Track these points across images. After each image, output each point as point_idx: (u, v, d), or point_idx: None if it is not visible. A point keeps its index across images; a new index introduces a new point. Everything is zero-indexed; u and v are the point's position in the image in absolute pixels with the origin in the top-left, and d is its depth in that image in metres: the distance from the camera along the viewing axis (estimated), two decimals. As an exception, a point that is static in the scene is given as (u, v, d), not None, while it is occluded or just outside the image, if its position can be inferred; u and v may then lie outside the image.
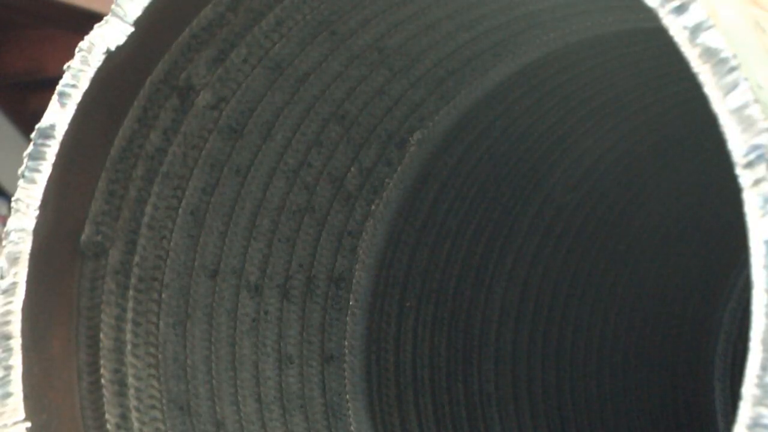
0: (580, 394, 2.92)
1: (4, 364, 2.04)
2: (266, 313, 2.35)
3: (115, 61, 2.02)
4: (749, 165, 1.51)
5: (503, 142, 2.56)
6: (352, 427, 2.43)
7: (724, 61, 1.54)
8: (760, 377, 1.48)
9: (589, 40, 2.31)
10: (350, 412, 2.43)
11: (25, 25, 8.48)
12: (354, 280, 2.43)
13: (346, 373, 2.44)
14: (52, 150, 2.02)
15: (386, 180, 2.42)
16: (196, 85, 2.15)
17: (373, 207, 2.43)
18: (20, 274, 2.03)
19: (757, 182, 1.50)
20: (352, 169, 2.36)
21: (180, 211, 2.21)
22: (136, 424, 2.19)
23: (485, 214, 2.64)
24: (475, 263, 2.67)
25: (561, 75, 2.44)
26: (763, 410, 1.49)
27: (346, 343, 2.44)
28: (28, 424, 2.00)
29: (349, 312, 2.44)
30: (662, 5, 1.58)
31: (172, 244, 2.21)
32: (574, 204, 2.79)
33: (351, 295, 2.43)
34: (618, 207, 2.87)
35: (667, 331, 2.98)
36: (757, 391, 1.49)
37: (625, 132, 2.63)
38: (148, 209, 2.18)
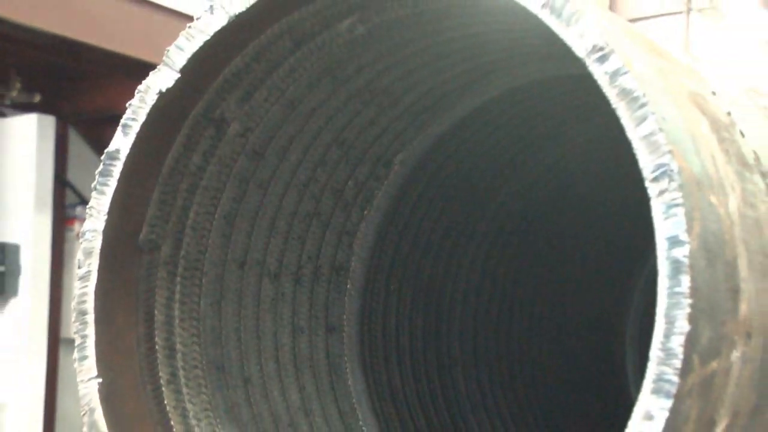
0: (524, 358, 2.93)
1: (81, 333, 2.06)
2: (283, 294, 2.36)
3: (165, 99, 2.04)
4: (656, 179, 1.53)
5: (467, 162, 2.57)
6: (349, 382, 2.45)
7: (636, 99, 1.56)
8: (663, 343, 1.50)
9: (532, 83, 2.32)
10: (348, 370, 2.45)
11: (101, 75, 8.61)
12: (351, 269, 2.45)
13: (344, 341, 2.45)
14: (117, 169, 2.05)
15: (375, 191, 2.44)
16: (228, 118, 2.17)
17: (365, 212, 2.45)
18: (93, 264, 2.06)
19: (661, 192, 1.52)
20: (349, 183, 2.38)
21: (216, 215, 2.23)
22: (182, 380, 2.21)
23: (452, 218, 2.65)
24: (444, 256, 2.68)
25: (511, 110, 2.45)
26: (665, 368, 1.51)
27: (345, 317, 2.46)
28: (100, 380, 2.03)
29: (347, 293, 2.46)
30: (588, 56, 1.60)
31: (209, 241, 2.23)
32: (521, 210, 2.80)
33: (348, 281, 2.45)
34: (555, 212, 2.88)
35: (591, 307, 3.00)
36: (661, 354, 1.50)
37: (561, 154, 2.64)
38: (191, 214, 2.20)
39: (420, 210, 2.54)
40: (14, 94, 10.46)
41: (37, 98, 10.40)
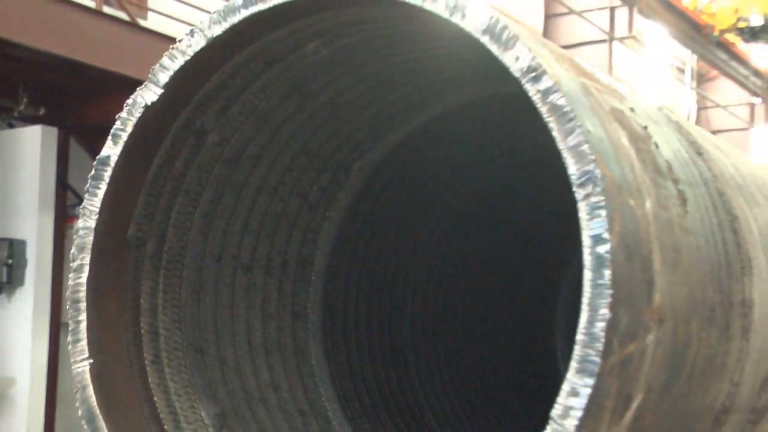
0: (467, 342, 2.93)
1: (74, 319, 2.06)
2: (254, 285, 2.35)
3: (150, 112, 2.04)
4: (582, 185, 1.54)
5: (417, 169, 2.57)
6: (313, 363, 2.44)
7: (565, 114, 1.56)
8: (587, 328, 1.50)
9: (475, 101, 2.33)
10: (312, 352, 2.44)
11: (98, 90, 8.70)
12: (315, 263, 2.45)
13: (309, 326, 2.45)
14: (107, 173, 2.04)
15: (337, 194, 2.43)
16: (207, 129, 2.16)
17: (328, 213, 2.44)
18: (85, 258, 2.05)
19: (586, 196, 1.53)
20: (314, 187, 2.38)
21: (195, 215, 2.22)
22: (165, 361, 2.20)
23: (404, 218, 2.65)
24: (397, 251, 2.68)
25: (455, 124, 2.45)
26: (589, 351, 1.51)
27: (309, 305, 2.45)
28: (91, 361, 2.02)
29: (311, 284, 2.45)
30: (523, 76, 1.60)
31: (190, 238, 2.22)
32: (465, 212, 2.80)
33: (312, 273, 2.44)
34: (495, 214, 2.88)
35: (526, 298, 3.00)
36: (585, 338, 1.51)
37: (500, 163, 2.64)
38: (174, 214, 2.19)
39: (376, 211, 2.54)
40: (22, 107, 10.51)
41: (41, 111, 10.44)
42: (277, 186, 2.30)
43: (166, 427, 2.15)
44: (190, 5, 9.59)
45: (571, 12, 26.08)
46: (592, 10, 25.59)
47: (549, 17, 27.56)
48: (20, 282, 10.22)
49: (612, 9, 25.40)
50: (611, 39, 25.48)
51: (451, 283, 2.84)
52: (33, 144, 10.66)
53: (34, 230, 10.43)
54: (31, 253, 10.30)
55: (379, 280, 2.59)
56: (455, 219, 2.76)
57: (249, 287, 2.34)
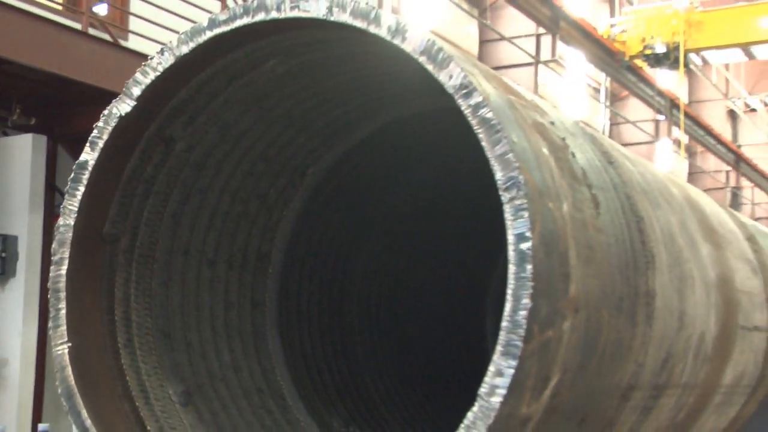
0: (409, 328, 2.92)
1: (55, 307, 2.04)
2: (218, 277, 2.33)
3: (124, 122, 2.01)
4: (507, 189, 1.53)
5: (365, 174, 2.56)
6: (270, 347, 2.43)
7: (493, 126, 1.56)
8: (511, 316, 1.50)
9: (414, 113, 2.33)
10: (269, 337, 2.42)
11: (83, 103, 8.74)
12: (272, 257, 2.43)
13: (266, 314, 2.43)
14: (85, 176, 2.02)
15: (292, 196, 2.42)
16: (175, 137, 2.13)
17: (284, 213, 2.43)
18: (65, 252, 2.03)
19: (511, 199, 1.52)
20: (272, 190, 2.36)
21: (165, 214, 2.19)
22: (136, 345, 2.17)
23: (352, 217, 2.64)
24: (347, 246, 2.67)
25: (398, 134, 2.45)
26: (512, 336, 1.51)
27: (267, 295, 2.43)
28: (70, 344, 2.00)
29: (268, 276, 2.43)
30: (456, 92, 1.60)
31: (159, 234, 2.19)
32: (408, 212, 2.79)
33: (270, 266, 2.42)
34: (434, 215, 2.88)
35: (462, 291, 2.99)
36: (509, 324, 1.51)
37: (437, 168, 2.64)
38: (145, 213, 2.17)
39: (327, 210, 2.53)
40: (15, 117, 10.50)
41: (32, 121, 10.41)
42: (238, 188, 2.28)
43: (137, 404, 2.13)
44: (167, 28, 9.53)
45: (502, 38, 26.21)
46: (520, 36, 25.76)
47: (483, 42, 27.72)
48: (12, 273, 10.36)
49: (537, 36, 25.59)
50: (537, 62, 25.64)
51: (395, 275, 2.83)
52: (25, 150, 10.73)
53: (25, 227, 10.54)
54: (22, 248, 10.41)
55: (329, 272, 2.57)
56: (398, 218, 2.75)
57: (213, 279, 2.31)
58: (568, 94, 31.04)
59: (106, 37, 11.22)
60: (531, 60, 25.81)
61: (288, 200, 2.38)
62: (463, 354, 2.75)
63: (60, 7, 12.01)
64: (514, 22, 26.29)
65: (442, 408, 2.54)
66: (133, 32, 11.97)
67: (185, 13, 10.58)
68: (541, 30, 25.52)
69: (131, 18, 12.17)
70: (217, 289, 2.33)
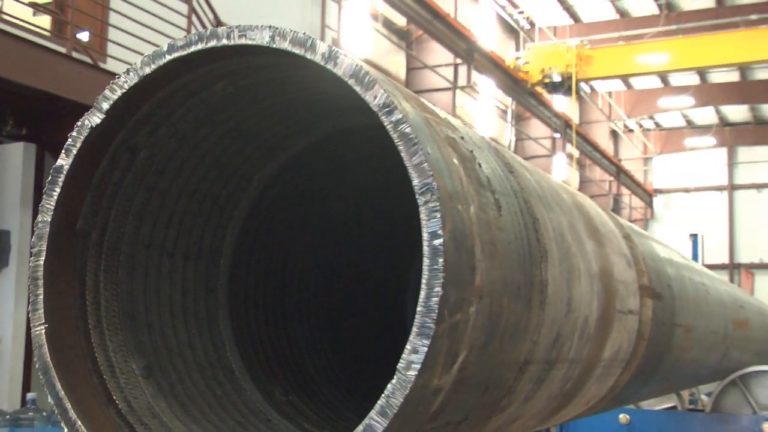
0: (343, 314, 2.89)
1: (34, 293, 1.98)
2: (176, 267, 2.28)
3: (95, 132, 1.96)
4: (422, 193, 1.52)
5: (303, 179, 2.54)
6: (221, 327, 2.39)
7: (411, 139, 1.53)
8: (425, 302, 1.48)
9: (346, 128, 2.30)
10: (220, 319, 2.39)
11: (67, 116, 8.63)
12: (223, 251, 2.39)
13: (218, 299, 2.39)
14: (61, 179, 1.96)
15: (241, 199, 2.38)
16: (139, 146, 2.09)
17: (234, 213, 2.38)
18: (43, 245, 1.96)
19: (426, 202, 1.51)
20: (223, 192, 2.31)
21: (130, 213, 2.14)
22: (105, 326, 2.12)
23: (294, 217, 2.61)
24: (288, 242, 2.64)
25: (333, 146, 2.43)
26: (426, 319, 1.50)
27: (219, 283, 2.39)
28: (46, 326, 1.94)
29: (220, 267, 2.39)
30: (380, 110, 1.58)
31: (125, 230, 2.14)
32: (343, 213, 2.77)
33: (221, 258, 2.38)
34: (365, 216, 2.85)
35: (387, 282, 2.97)
36: (423, 309, 1.49)
37: (367, 175, 2.61)
38: (113, 212, 2.11)
39: (271, 212, 2.49)
40: (8, 128, 10.39)
41: (24, 131, 10.28)
42: (194, 191, 2.23)
43: (104, 377, 2.08)
44: (139, 53, 9.50)
45: (426, 67, 26.32)
46: (441, 65, 25.96)
47: (410, 70, 27.84)
48: (5, 263, 10.38)
49: (455, 65, 25.80)
50: (455, 87, 25.82)
51: (330, 268, 2.80)
52: (16, 157, 10.66)
53: (17, 223, 10.52)
54: (14, 241, 10.39)
55: (273, 264, 2.54)
56: (334, 218, 2.72)
57: (172, 269, 2.27)
58: (481, 114, 31.35)
59: (87, 59, 11.15)
60: (450, 85, 25.99)
61: (237, 202, 2.34)
62: (387, 335, 2.73)
63: (48, 34, 11.88)
64: (436, 53, 26.49)
65: (370, 379, 2.51)
66: (111, 56, 11.88)
67: (155, 40, 10.50)
68: (459, 60, 25.74)
69: (109, 44, 12.07)
70: (175, 278, 2.27)
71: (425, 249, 1.51)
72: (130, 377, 2.12)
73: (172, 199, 2.21)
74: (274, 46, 1.70)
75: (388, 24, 26.42)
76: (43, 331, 1.96)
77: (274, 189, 2.42)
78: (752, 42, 28.44)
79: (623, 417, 7.54)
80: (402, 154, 1.55)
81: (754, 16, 30.18)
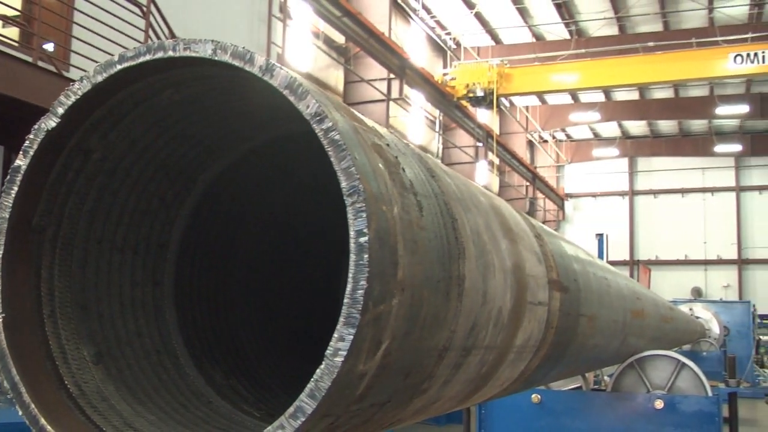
0: (279, 301, 2.86)
1: (-7, 283, 1.91)
2: (126, 260, 2.22)
3: (50, 135, 1.90)
4: (350, 195, 1.50)
5: (245, 182, 2.50)
6: (167, 316, 2.34)
7: (340, 146, 1.51)
8: (351, 294, 1.46)
9: (283, 135, 2.27)
10: (166, 309, 2.33)
11: (35, 121, 8.41)
12: (169, 246, 2.33)
13: (165, 291, 2.34)
14: (18, 178, 1.90)
15: (186, 198, 2.33)
16: (92, 149, 2.03)
17: (179, 211, 2.33)
18: (2, 240, 1.90)
19: (353, 203, 1.49)
20: (169, 192, 2.26)
21: (83, 211, 2.08)
22: (58, 315, 2.05)
23: (234, 215, 2.57)
24: (229, 240, 2.59)
25: (270, 151, 2.39)
26: (352, 310, 1.48)
27: (165, 276, 2.34)
28: (4, 315, 1.88)
29: (167, 261, 2.34)
30: (312, 119, 1.55)
31: (78, 227, 2.08)
32: (281, 213, 2.73)
33: (168, 253, 2.33)
34: (301, 215, 2.82)
35: (322, 273, 2.94)
36: (349, 301, 1.47)
37: (301, 178, 2.58)
38: (67, 209, 2.05)
39: (214, 211, 2.45)
40: None
41: None
42: (143, 191, 2.18)
43: (57, 363, 2.01)
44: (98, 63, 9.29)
45: (362, 80, 26.28)
46: (376, 79, 25.95)
47: (348, 83, 27.78)
48: None
49: (389, 80, 25.81)
50: (388, 100, 25.84)
51: (271, 260, 2.76)
52: None
53: None
54: None
55: (216, 259, 2.49)
56: (274, 216, 2.69)
57: (121, 263, 2.21)
58: (412, 124, 31.44)
59: (52, 68, 10.94)
60: (384, 98, 26.00)
61: (182, 201, 2.29)
62: (318, 325, 2.71)
63: (16, 44, 11.64)
64: (371, 68, 26.47)
65: (305, 364, 2.49)
66: (74, 65, 11.66)
67: (115, 51, 10.32)
68: (392, 75, 25.76)
69: (72, 54, 11.84)
70: (124, 271, 2.22)
71: (352, 246, 1.49)
72: (81, 363, 2.06)
73: (122, 197, 2.16)
74: (216, 58, 1.67)
75: (328, 41, 26.36)
76: (1, 320, 1.90)
77: (217, 189, 2.38)
78: (650, 65, 29.10)
79: (535, 397, 7.62)
80: (331, 159, 1.53)
81: (651, 43, 30.89)
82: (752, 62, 27.44)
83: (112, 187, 2.12)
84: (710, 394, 7.51)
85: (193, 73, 1.87)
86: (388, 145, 1.80)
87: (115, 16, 11.65)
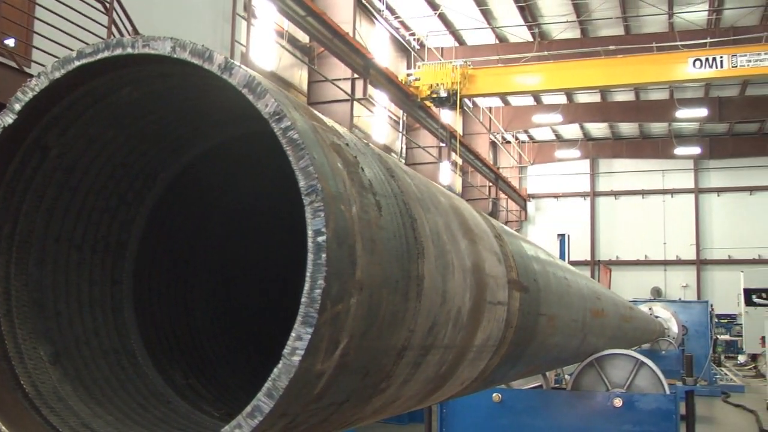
0: (239, 300, 2.85)
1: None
2: (84, 259, 2.20)
3: (7, 132, 1.87)
4: (308, 194, 1.49)
5: (205, 180, 2.48)
6: (125, 315, 2.31)
7: (298, 145, 1.51)
8: (309, 293, 1.46)
9: (243, 134, 2.26)
10: (125, 308, 2.31)
11: None
12: (129, 245, 2.31)
13: (123, 290, 2.31)
14: (-26, 176, 1.87)
15: (146, 197, 2.30)
16: (50, 146, 2.00)
17: (139, 209, 2.31)
18: (-37, 238, 1.87)
19: (311, 203, 1.48)
20: (129, 190, 2.24)
21: (41, 208, 2.05)
22: (15, 314, 2.02)
23: (195, 216, 2.56)
24: (189, 238, 2.58)
25: (232, 149, 2.38)
26: (310, 309, 1.47)
27: (124, 275, 2.31)
28: None
29: (126, 260, 2.31)
30: (271, 118, 1.55)
31: (36, 224, 2.05)
32: (241, 210, 2.71)
33: (127, 252, 2.30)
34: (263, 213, 2.81)
35: (281, 271, 2.93)
36: (307, 300, 1.47)
37: (262, 176, 2.57)
38: (24, 207, 2.02)
39: (174, 209, 2.42)
40: None
41: None
42: (102, 188, 2.15)
43: (13, 363, 1.98)
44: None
45: (326, 80, 26.23)
46: (340, 79, 25.91)
47: (312, 83, 27.69)
48: None
49: (353, 80, 25.79)
50: (352, 99, 25.81)
51: (231, 259, 2.74)
52: None
53: None
54: None
55: (176, 257, 2.47)
56: (235, 215, 2.67)
57: (80, 261, 2.18)
58: (376, 124, 31.44)
59: (14, 64, 10.79)
60: (348, 98, 25.96)
61: (142, 199, 2.27)
62: (277, 325, 2.70)
63: (-26, 40, 11.44)
64: (336, 68, 26.42)
65: (265, 363, 2.48)
66: (35, 62, 11.51)
67: (77, 47, 10.18)
68: (356, 75, 25.74)
69: (34, 50, 11.67)
70: (83, 270, 2.19)
71: (310, 245, 1.49)
72: (37, 363, 2.03)
73: (80, 195, 2.13)
74: (175, 56, 1.65)
75: (292, 41, 26.27)
76: (-46, 319, 1.86)
77: (177, 188, 2.36)
78: (611, 69, 29.44)
79: (496, 396, 7.67)
80: (290, 158, 1.53)
81: (612, 47, 31.23)
82: (711, 67, 27.88)
83: (70, 184, 2.09)
84: (668, 392, 7.60)
85: (152, 70, 1.85)
86: (347, 144, 1.80)
87: (77, 12, 11.51)
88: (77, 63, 1.80)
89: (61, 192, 2.09)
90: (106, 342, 2.22)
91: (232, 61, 1.60)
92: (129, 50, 1.73)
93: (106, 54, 1.76)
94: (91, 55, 1.78)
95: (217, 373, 2.51)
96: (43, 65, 10.52)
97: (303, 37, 26.04)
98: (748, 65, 27.54)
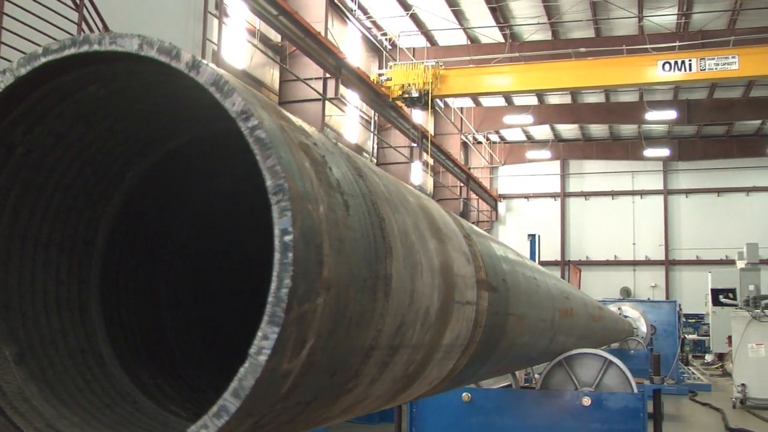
0: (208, 299, 2.83)
1: None
2: (51, 258, 2.17)
3: (-30, 129, 1.85)
4: (275, 194, 1.49)
5: (174, 178, 2.47)
6: (92, 315, 2.30)
7: (266, 144, 1.51)
8: (275, 293, 1.46)
9: (211, 132, 2.25)
10: (92, 308, 2.29)
11: None
12: (96, 243, 2.29)
13: (90, 290, 2.29)
14: (-63, 173, 1.84)
15: (114, 195, 2.29)
16: (16, 143, 1.98)
17: (107, 208, 2.29)
18: None
19: (278, 202, 1.48)
20: (96, 189, 2.22)
21: (7, 206, 2.03)
22: None
23: (163, 214, 2.54)
24: (157, 238, 2.56)
25: (200, 147, 2.37)
26: (276, 308, 1.47)
27: (91, 274, 2.29)
28: None
29: (93, 259, 2.29)
30: (238, 117, 1.54)
31: (1, 223, 2.02)
32: (210, 208, 2.70)
33: (94, 251, 2.28)
34: (232, 215, 2.79)
35: (249, 273, 2.91)
36: (273, 299, 1.47)
37: (229, 174, 2.56)
38: (-10, 205, 2.00)
39: (142, 208, 2.40)
40: None
41: None
42: (69, 186, 2.13)
43: (-23, 362, 1.96)
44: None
45: (298, 79, 26.16)
46: (312, 78, 25.85)
47: (284, 82, 27.60)
48: None
49: (325, 79, 25.73)
50: (324, 99, 25.75)
51: (199, 258, 2.73)
52: None
53: None
54: None
55: (143, 257, 2.45)
56: (203, 214, 2.66)
57: (46, 260, 2.15)
58: (348, 124, 31.42)
59: (-22, 61, 10.61)
60: (320, 97, 25.91)
61: (110, 198, 2.25)
62: (244, 325, 2.70)
63: (-60, 35, 11.28)
64: (307, 67, 26.36)
65: (233, 363, 2.47)
66: (4, 58, 11.36)
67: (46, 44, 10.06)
68: (328, 75, 25.70)
69: (3, 47, 11.51)
70: (49, 269, 2.16)
71: (276, 244, 1.48)
72: (2, 363, 2.01)
73: (47, 193, 2.11)
74: (142, 53, 1.64)
75: (264, 39, 26.19)
76: None
77: (145, 187, 2.34)
78: (582, 71, 29.70)
79: (465, 395, 7.70)
80: (257, 157, 1.52)
81: (583, 49, 31.48)
82: (680, 70, 28.21)
83: (36, 182, 2.07)
84: (636, 390, 7.68)
85: (120, 68, 1.83)
86: (315, 144, 1.80)
87: (47, 8, 11.39)
88: (43, 59, 1.78)
89: (27, 190, 2.06)
90: (72, 342, 2.20)
91: (199, 59, 1.59)
92: (96, 47, 1.71)
93: (72, 51, 1.74)
94: (57, 51, 1.77)
95: (185, 372, 2.50)
96: (11, 62, 10.43)
97: (275, 36, 25.97)
98: (716, 68, 27.90)
